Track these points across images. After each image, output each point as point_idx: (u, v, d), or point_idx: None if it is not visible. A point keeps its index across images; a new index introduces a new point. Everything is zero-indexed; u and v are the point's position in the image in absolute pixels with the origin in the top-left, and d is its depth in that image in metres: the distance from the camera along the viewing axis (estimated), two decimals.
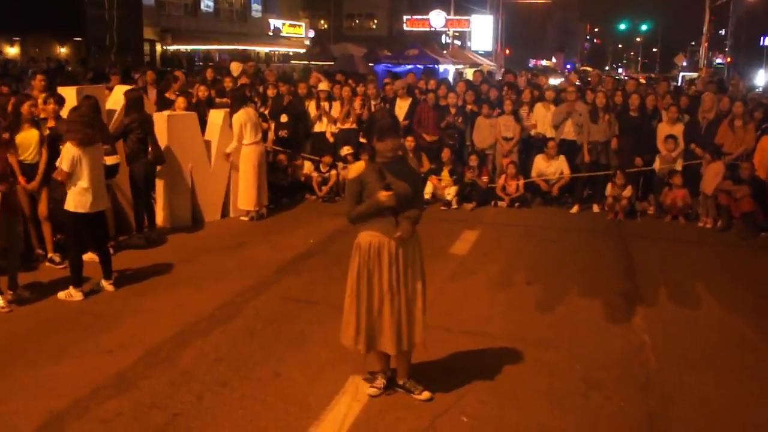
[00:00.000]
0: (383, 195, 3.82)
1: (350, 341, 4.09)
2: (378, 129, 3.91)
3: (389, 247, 3.93)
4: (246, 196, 8.82)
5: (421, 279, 4.04)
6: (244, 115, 8.65)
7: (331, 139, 10.87)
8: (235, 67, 12.73)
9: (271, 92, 10.80)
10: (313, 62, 29.43)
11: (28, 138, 6.51)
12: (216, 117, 8.92)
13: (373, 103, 10.94)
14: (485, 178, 10.31)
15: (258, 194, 8.87)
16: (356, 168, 3.99)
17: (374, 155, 3.96)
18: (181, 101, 8.91)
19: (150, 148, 7.66)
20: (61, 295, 5.84)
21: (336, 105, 10.96)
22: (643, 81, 18.95)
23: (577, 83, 12.41)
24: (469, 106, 10.82)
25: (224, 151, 8.69)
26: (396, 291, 3.97)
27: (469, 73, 26.36)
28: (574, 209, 9.94)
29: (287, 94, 10.81)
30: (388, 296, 3.96)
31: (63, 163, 5.68)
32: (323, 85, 11.11)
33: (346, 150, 10.62)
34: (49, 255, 6.71)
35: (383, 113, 4.30)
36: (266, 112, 10.48)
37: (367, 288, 3.98)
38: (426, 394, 4.18)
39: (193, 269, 6.81)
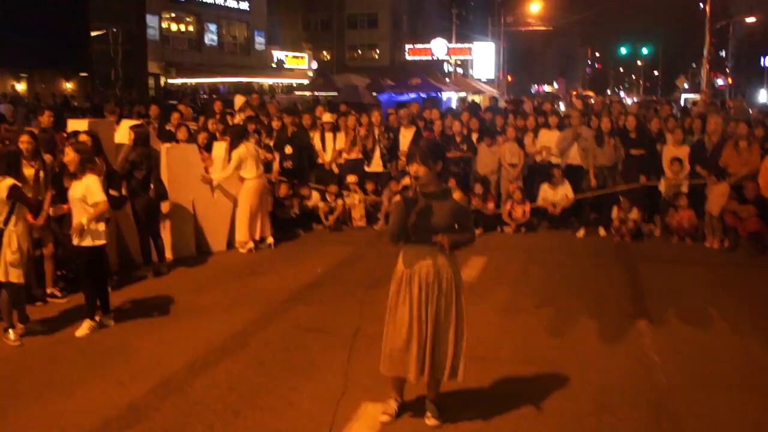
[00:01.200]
0: (405, 182, 3.81)
1: (382, 367, 4.11)
2: (409, 152, 3.97)
3: (421, 273, 3.92)
4: (241, 229, 8.84)
5: (455, 309, 3.99)
6: (244, 150, 8.70)
7: (336, 170, 10.99)
8: (239, 100, 12.93)
9: (276, 124, 10.93)
10: (317, 92, 29.77)
11: (26, 174, 6.34)
12: (219, 149, 9.06)
13: (376, 131, 11.08)
14: (491, 205, 10.39)
15: (254, 226, 8.88)
16: (398, 200, 3.96)
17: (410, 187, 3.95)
18: (182, 133, 9.03)
19: (152, 185, 7.68)
20: (85, 328, 5.83)
21: (341, 135, 11.09)
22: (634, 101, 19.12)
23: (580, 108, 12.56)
24: (475, 135, 10.95)
25: (207, 177, 8.66)
26: (424, 320, 3.93)
27: (475, 99, 26.63)
28: (581, 233, 9.98)
29: (291, 125, 10.95)
30: (416, 324, 3.93)
31: (98, 195, 5.65)
32: (327, 117, 11.23)
33: (351, 179, 10.72)
34: (50, 290, 6.70)
35: (427, 140, 4.30)
36: (271, 144, 10.59)
37: (393, 315, 4.01)
38: (432, 422, 4.18)
39: (201, 300, 6.85)
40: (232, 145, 8.78)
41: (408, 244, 3.97)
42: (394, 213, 3.96)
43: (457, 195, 3.96)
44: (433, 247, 3.89)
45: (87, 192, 5.63)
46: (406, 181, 3.79)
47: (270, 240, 9.18)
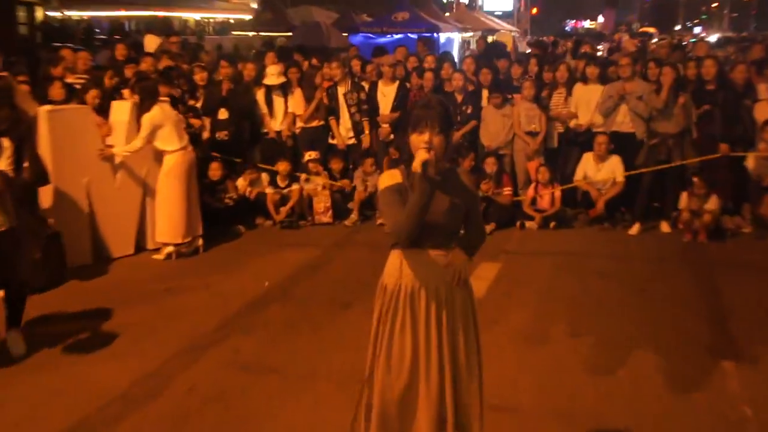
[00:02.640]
0: (423, 154, 3.61)
1: (357, 426, 3.95)
2: (414, 116, 3.80)
3: (428, 291, 3.81)
4: (168, 225, 8.91)
5: (475, 342, 3.95)
6: (158, 113, 8.73)
7: (289, 143, 11.04)
8: (151, 42, 12.81)
9: (200, 77, 10.84)
10: (263, 33, 29.64)
11: None
12: (120, 112, 8.99)
13: (340, 90, 11.14)
14: (507, 190, 10.47)
15: (188, 221, 8.98)
16: (390, 174, 3.88)
17: (409, 159, 3.80)
18: (56, 90, 8.91)
19: (26, 162, 7.55)
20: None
21: (296, 94, 11.13)
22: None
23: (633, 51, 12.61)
24: (487, 97, 11.03)
25: (107, 151, 8.72)
26: (435, 357, 3.79)
27: (498, 39, 26.57)
28: (634, 229, 10.04)
29: (227, 81, 10.88)
30: (425, 362, 3.79)
31: None
32: (275, 69, 11.18)
33: (309, 156, 10.76)
34: None
35: (431, 97, 4.15)
36: (198, 106, 10.60)
37: (387, 349, 3.83)
38: None
39: (97, 328, 6.81)
40: (143, 107, 8.74)
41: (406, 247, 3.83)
42: (393, 200, 3.78)
43: (467, 175, 3.97)
44: (440, 252, 3.81)
45: None
46: (423, 155, 3.59)
47: (199, 242, 9.20)
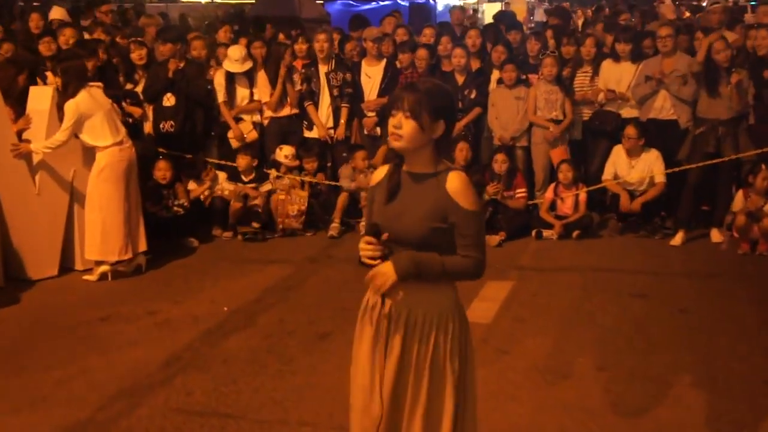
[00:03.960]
0: (362, 246, 3.83)
1: None
2: (394, 96, 3.90)
3: (381, 303, 3.97)
4: (102, 238, 8.86)
5: (451, 385, 3.95)
6: (86, 101, 8.69)
7: (253, 136, 11.08)
8: (57, 15, 12.69)
9: (137, 55, 10.83)
10: (219, 0, 29.59)
11: None
12: (39, 99, 8.96)
13: (321, 69, 11.13)
14: (521, 192, 10.55)
15: (126, 234, 8.95)
16: (377, 173, 4.10)
17: (400, 157, 3.97)
18: None
19: None
20: None
21: (261, 76, 11.18)
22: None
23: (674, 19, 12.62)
24: (497, 76, 11.05)
25: (23, 147, 8.69)
26: (379, 373, 3.96)
27: (490, 10, 26.62)
28: (678, 239, 10.05)
29: (174, 60, 10.83)
30: (372, 375, 3.98)
31: None
32: (236, 54, 11.12)
33: (283, 152, 10.79)
34: None
35: (421, 80, 4.07)
36: (138, 91, 10.60)
37: (357, 359, 4.09)
38: None
39: (10, 369, 6.76)
40: (66, 92, 8.73)
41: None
42: (367, 205, 4.10)
43: (456, 180, 3.86)
44: None
45: None
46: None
47: (141, 259, 9.19)
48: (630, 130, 10.23)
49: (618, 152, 10.42)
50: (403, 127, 3.74)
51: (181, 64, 10.78)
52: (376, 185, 3.99)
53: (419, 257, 3.78)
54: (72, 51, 9.56)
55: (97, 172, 8.78)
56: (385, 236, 3.78)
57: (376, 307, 3.94)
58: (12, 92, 9.03)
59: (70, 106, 8.58)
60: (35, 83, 9.43)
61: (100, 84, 9.19)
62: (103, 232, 8.79)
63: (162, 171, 10.12)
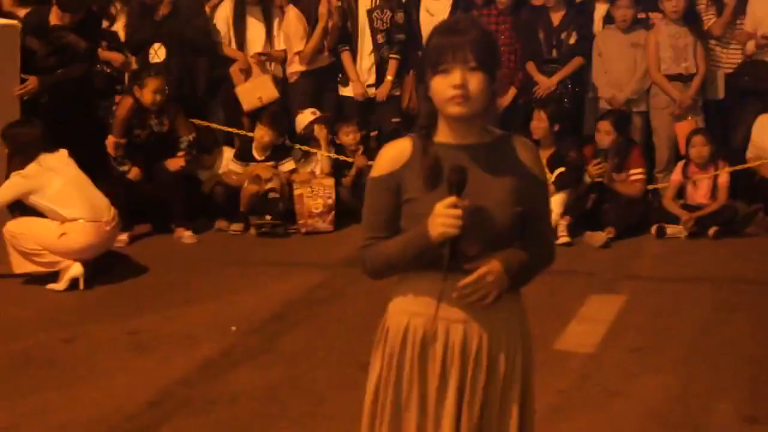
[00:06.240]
0: (442, 212, 3.68)
1: None
2: (432, 48, 3.82)
3: (445, 336, 3.91)
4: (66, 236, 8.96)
5: (518, 408, 4.01)
6: (38, 176, 9.02)
7: (267, 96, 11.01)
8: None
9: None
10: None
11: None
12: None
13: (362, 4, 11.26)
14: (638, 173, 10.48)
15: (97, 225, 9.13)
16: (391, 152, 3.97)
17: (429, 125, 3.91)
18: None
19: None
20: None
21: (291, 14, 11.22)
22: None
23: None
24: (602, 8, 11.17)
25: None
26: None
27: None
28: None
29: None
30: None
31: None
32: None
33: (309, 115, 10.86)
34: None
35: (462, 17, 4.14)
36: (118, 31, 10.88)
37: (391, 417, 4.02)
38: None
39: None
40: (11, 163, 9.26)
41: (421, 269, 3.91)
42: (374, 205, 3.98)
43: (528, 148, 3.99)
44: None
45: None
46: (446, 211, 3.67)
47: (75, 271, 9.09)
48: None
49: (765, 122, 10.54)
50: (470, 83, 3.69)
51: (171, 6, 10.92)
52: (400, 169, 3.87)
53: (513, 254, 3.84)
54: (22, 121, 10.00)
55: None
56: (467, 201, 3.66)
57: (442, 338, 3.90)
58: None
59: (13, 180, 9.15)
60: None
61: (63, 151, 9.44)
62: (37, 230, 9.14)
63: (152, 93, 10.19)
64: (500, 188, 3.82)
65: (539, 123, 10.34)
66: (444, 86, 3.68)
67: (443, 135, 3.85)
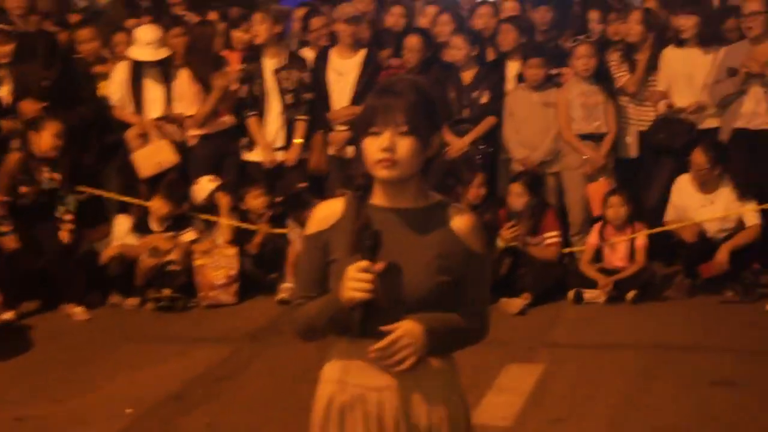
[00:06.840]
0: (352, 276, 3.68)
1: None
2: (367, 108, 3.86)
3: (369, 406, 3.88)
4: None
5: None
6: None
7: (167, 161, 10.95)
8: None
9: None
10: None
11: None
12: None
13: (268, 65, 11.20)
14: (553, 236, 10.59)
15: None
16: (323, 211, 4.00)
17: (365, 186, 3.93)
18: None
19: None
20: None
21: (184, 76, 11.17)
22: None
23: None
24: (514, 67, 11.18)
25: None
26: None
27: None
28: None
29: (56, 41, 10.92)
30: None
31: None
32: (147, 36, 11.16)
33: (207, 183, 10.80)
34: None
35: (399, 78, 4.24)
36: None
37: None
38: None
39: None
40: None
41: (342, 338, 3.94)
42: (306, 263, 4.01)
43: (464, 217, 3.97)
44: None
45: None
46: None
47: None
48: (698, 157, 10.31)
49: (684, 182, 10.54)
50: (399, 147, 3.73)
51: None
52: (328, 229, 3.91)
53: (436, 317, 3.83)
54: None
55: None
56: (380, 265, 3.70)
57: (367, 405, 3.87)
58: None
59: None
60: None
61: None
62: None
63: (52, 137, 10.10)
64: (424, 254, 3.85)
65: (475, 191, 10.30)
66: (373, 148, 3.75)
67: (377, 197, 3.90)
